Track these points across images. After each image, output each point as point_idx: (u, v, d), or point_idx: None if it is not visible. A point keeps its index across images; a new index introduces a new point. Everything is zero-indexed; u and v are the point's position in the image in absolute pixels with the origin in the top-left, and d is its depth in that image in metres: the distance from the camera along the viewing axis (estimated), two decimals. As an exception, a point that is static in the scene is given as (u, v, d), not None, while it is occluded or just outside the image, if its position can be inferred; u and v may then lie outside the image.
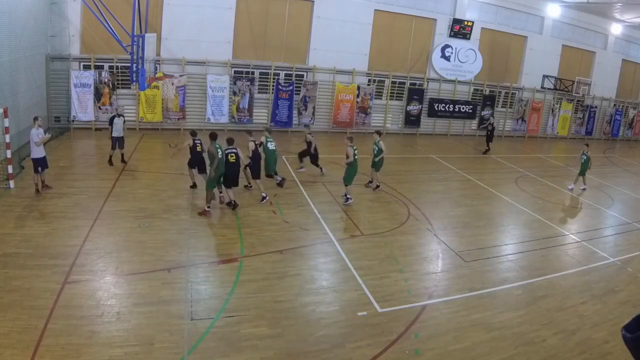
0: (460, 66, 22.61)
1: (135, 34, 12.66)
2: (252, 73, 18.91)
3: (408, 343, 6.29)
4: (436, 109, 22.59)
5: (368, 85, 20.86)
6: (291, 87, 19.31)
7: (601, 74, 26.90)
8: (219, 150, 9.90)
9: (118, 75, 17.08)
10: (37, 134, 10.07)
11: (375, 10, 20.36)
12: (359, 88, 20.46)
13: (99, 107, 16.76)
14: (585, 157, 14.89)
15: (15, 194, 10.23)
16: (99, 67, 16.86)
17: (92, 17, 14.73)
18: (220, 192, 10.67)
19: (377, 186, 12.91)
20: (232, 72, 18.64)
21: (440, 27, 21.85)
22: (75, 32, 16.32)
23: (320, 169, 13.78)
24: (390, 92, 21.58)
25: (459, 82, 22.87)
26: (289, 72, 19.54)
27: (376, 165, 12.62)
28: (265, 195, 11.07)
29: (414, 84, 22.05)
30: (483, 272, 8.72)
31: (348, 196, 11.49)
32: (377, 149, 12.47)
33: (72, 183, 11.23)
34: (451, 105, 22.86)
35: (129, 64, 13.75)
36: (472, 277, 8.40)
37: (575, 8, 24.21)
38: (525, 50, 24.34)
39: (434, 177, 15.41)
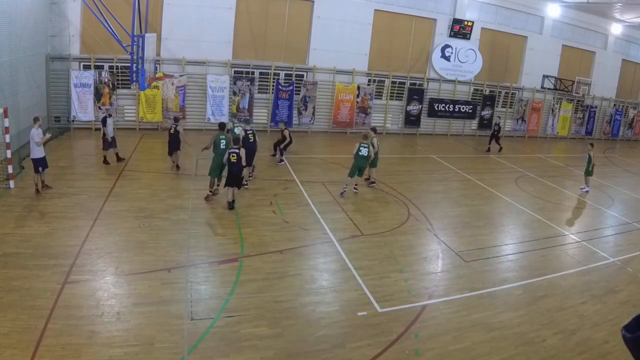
0: (460, 66, 22.60)
1: (135, 34, 12.68)
2: (252, 73, 18.91)
3: (408, 343, 6.29)
4: (436, 109, 22.57)
5: (368, 85, 20.85)
6: (291, 87, 19.31)
7: (601, 74, 26.87)
8: (222, 140, 10.84)
9: (118, 75, 17.07)
10: (37, 134, 10.08)
11: (375, 10, 20.34)
12: (359, 88, 20.45)
13: (99, 107, 16.70)
14: (587, 157, 14.92)
15: (15, 194, 10.24)
16: (99, 67, 16.85)
17: (92, 17, 14.75)
18: (218, 184, 11.00)
19: (373, 182, 13.17)
20: (232, 72, 18.63)
21: (440, 27, 21.83)
22: (75, 32, 16.31)
23: (281, 155, 14.63)
24: (390, 92, 21.57)
25: (459, 82, 22.86)
26: (289, 72, 19.54)
27: (372, 163, 12.81)
28: (245, 183, 11.45)
29: (414, 84, 22.03)
30: (483, 272, 8.72)
31: (345, 187, 11.98)
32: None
33: (72, 183, 11.23)
34: (451, 105, 22.84)
35: (129, 64, 13.76)
36: (472, 277, 8.40)
37: (575, 8, 24.19)
38: (525, 50, 24.32)
39: (434, 177, 15.41)
